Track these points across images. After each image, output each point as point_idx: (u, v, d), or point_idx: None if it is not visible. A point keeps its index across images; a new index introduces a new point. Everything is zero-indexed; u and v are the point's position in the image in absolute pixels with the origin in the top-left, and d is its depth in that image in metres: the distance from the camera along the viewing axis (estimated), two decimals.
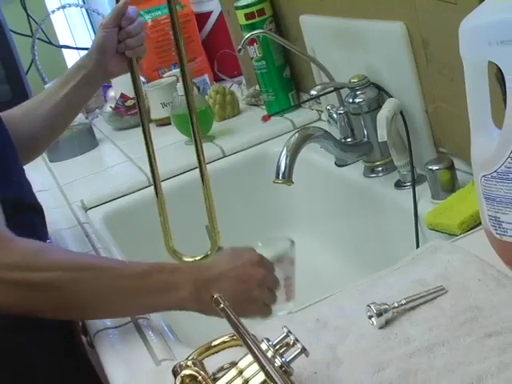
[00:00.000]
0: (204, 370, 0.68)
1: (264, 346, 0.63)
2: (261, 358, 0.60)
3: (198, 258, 1.14)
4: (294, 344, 0.62)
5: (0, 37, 2.14)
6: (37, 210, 1.13)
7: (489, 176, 0.71)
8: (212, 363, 0.71)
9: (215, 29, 1.95)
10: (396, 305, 0.72)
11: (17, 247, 0.84)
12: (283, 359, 0.61)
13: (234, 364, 0.65)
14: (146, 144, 1.13)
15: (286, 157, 1.02)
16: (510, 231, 0.72)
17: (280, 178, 1.01)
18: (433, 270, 0.77)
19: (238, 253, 0.94)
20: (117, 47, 1.10)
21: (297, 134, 1.04)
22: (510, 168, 0.69)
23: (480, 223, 0.88)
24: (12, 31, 2.17)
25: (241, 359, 0.64)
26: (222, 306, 0.72)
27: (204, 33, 1.96)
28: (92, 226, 1.29)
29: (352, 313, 0.74)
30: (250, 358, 0.63)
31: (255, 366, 0.62)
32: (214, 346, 0.74)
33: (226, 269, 0.90)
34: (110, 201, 1.41)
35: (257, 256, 0.93)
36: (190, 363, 0.69)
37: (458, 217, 0.91)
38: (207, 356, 0.73)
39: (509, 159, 0.68)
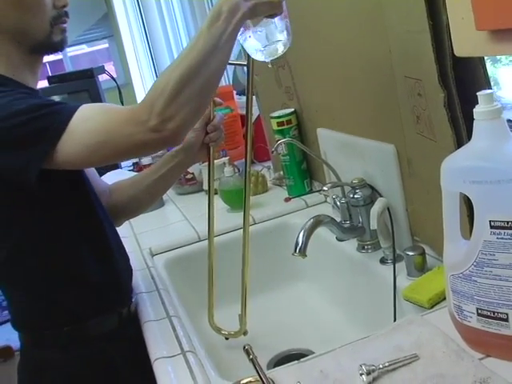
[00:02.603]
0: None
1: None
2: None
3: (232, 332, 1.13)
4: None
5: None
6: None
7: (456, 275, 0.68)
8: None
9: (254, 127, 1.94)
10: (381, 366, 0.68)
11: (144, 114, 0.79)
12: None
13: None
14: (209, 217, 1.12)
15: (303, 236, 0.99)
16: (468, 318, 0.69)
17: (297, 251, 0.98)
18: (409, 338, 0.74)
19: None
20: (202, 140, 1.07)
21: (312, 220, 1.02)
22: (472, 272, 0.66)
23: (443, 299, 0.85)
24: None
25: None
26: (251, 356, 0.69)
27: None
28: (156, 270, 1.26)
29: (347, 368, 0.71)
30: None
31: None
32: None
33: None
34: (170, 250, 1.38)
35: None
36: None
37: (427, 294, 0.88)
38: None
39: (472, 266, 0.66)
